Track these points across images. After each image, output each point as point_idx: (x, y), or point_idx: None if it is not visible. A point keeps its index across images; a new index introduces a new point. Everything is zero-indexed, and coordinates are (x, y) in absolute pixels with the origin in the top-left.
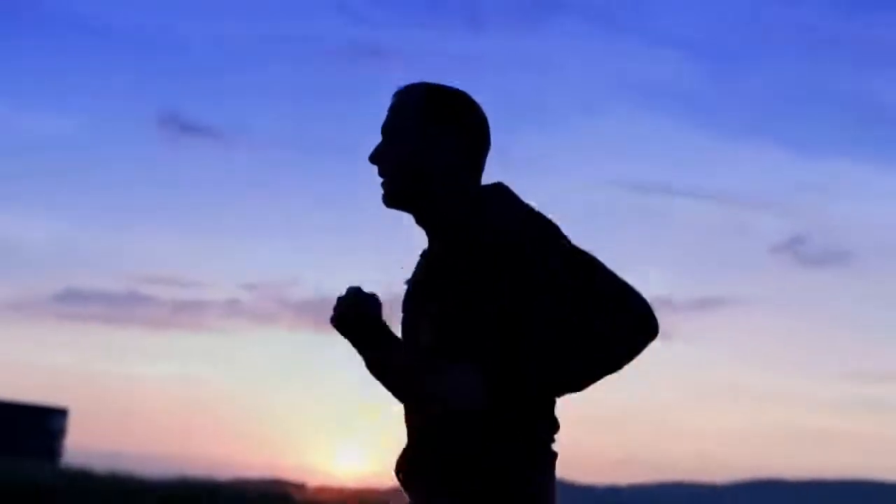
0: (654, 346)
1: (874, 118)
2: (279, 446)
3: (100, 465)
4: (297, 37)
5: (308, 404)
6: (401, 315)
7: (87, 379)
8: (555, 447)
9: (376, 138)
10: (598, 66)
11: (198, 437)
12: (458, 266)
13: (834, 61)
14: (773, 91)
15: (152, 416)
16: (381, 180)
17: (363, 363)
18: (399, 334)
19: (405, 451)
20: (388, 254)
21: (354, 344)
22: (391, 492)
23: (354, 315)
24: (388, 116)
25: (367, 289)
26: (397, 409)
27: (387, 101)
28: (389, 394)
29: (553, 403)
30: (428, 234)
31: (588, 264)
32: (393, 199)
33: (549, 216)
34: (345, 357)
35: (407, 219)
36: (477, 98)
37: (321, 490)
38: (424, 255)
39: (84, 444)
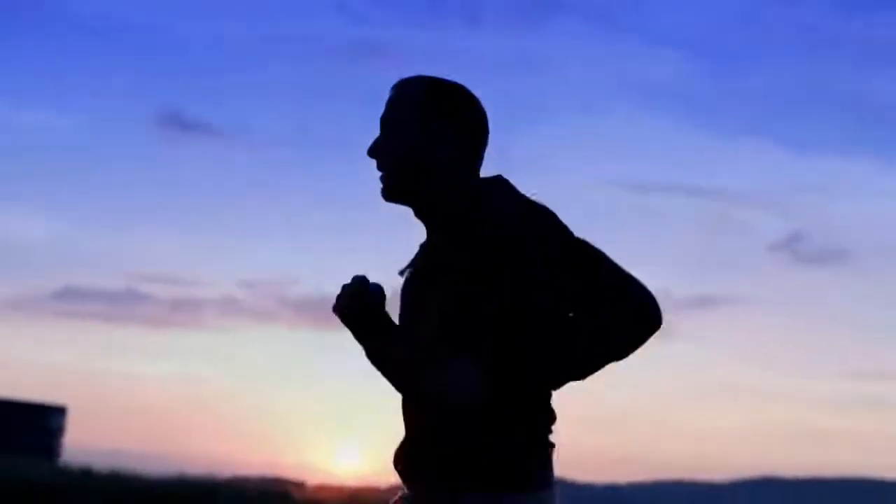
0: (654, 345)
1: (872, 117)
2: (278, 445)
3: (98, 464)
4: (297, 37)
5: (307, 403)
6: (399, 308)
7: (85, 377)
8: (552, 438)
9: (376, 137)
10: (597, 66)
11: (197, 436)
12: (458, 260)
13: (832, 61)
14: (772, 90)
15: (151, 414)
16: (379, 174)
17: (363, 353)
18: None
19: (403, 443)
20: (386, 252)
21: (356, 333)
22: (390, 490)
23: (358, 305)
24: (386, 109)
25: (372, 280)
26: (395, 404)
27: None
28: (388, 390)
29: (549, 395)
30: (427, 227)
31: (590, 256)
32: (392, 192)
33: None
34: (344, 356)
35: (405, 215)
36: (482, 104)
37: (321, 488)
38: (424, 246)
39: (83, 443)
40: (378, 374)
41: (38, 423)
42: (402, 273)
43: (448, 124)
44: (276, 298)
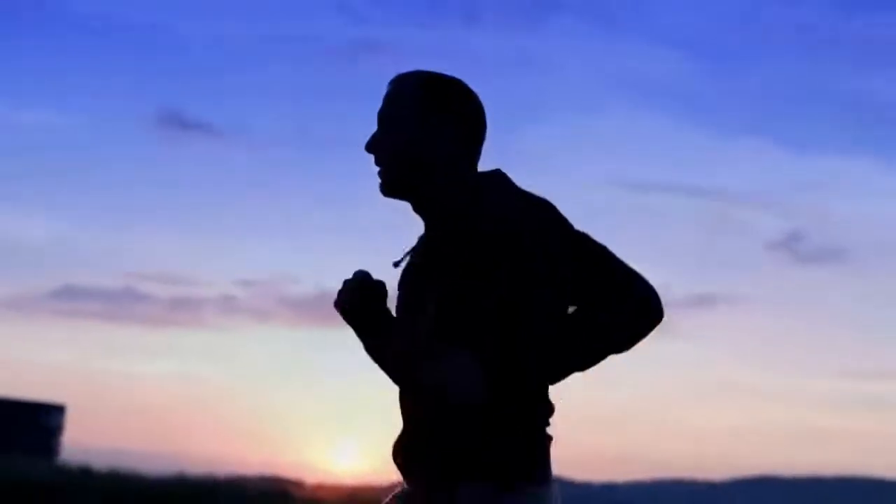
0: (652, 343)
1: (872, 117)
2: (277, 443)
3: (97, 462)
4: (297, 37)
5: (306, 401)
6: (397, 302)
7: (83, 376)
8: (550, 431)
9: (373, 132)
10: (597, 66)
11: (195, 435)
12: (457, 255)
13: (832, 61)
14: (772, 90)
15: (149, 413)
16: (377, 169)
17: (363, 348)
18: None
19: (402, 436)
20: (386, 252)
21: (357, 329)
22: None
23: (359, 300)
24: (384, 105)
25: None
26: (394, 400)
27: None
28: (386, 389)
29: (547, 387)
30: (426, 221)
31: (590, 249)
32: (390, 187)
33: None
34: (343, 355)
35: (404, 215)
36: (479, 98)
37: (319, 487)
38: (422, 238)
39: (81, 441)
40: (376, 372)
41: (37, 421)
42: (396, 264)
43: (446, 119)
44: (275, 298)
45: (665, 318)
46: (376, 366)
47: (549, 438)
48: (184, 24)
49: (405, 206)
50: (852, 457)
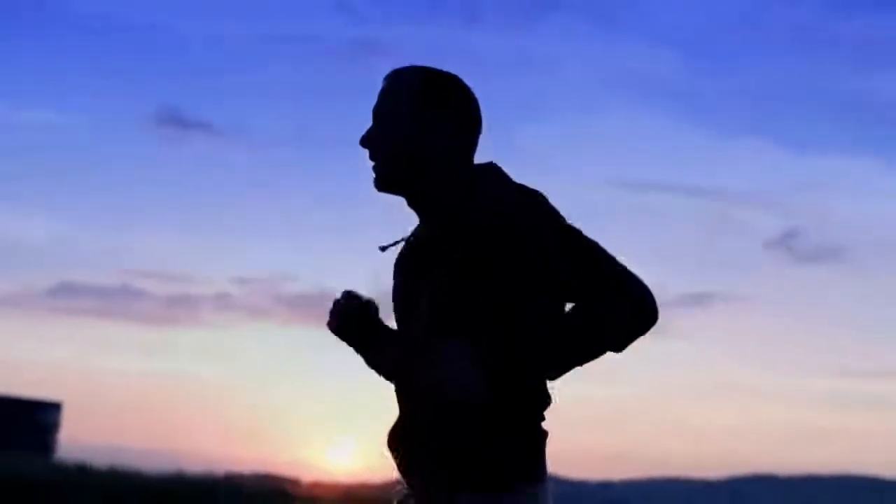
0: (649, 342)
1: (871, 117)
2: (273, 441)
3: (93, 460)
4: (297, 36)
5: (302, 400)
6: (392, 295)
7: (80, 373)
8: (546, 425)
9: (368, 127)
10: (596, 65)
11: (190, 432)
12: (453, 250)
13: (830, 61)
14: (772, 90)
15: (146, 410)
16: (371, 164)
17: (364, 363)
18: (392, 311)
19: (397, 426)
20: (381, 252)
21: (353, 345)
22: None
23: (348, 321)
24: (379, 100)
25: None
26: (390, 397)
27: None
28: (381, 388)
29: (545, 381)
30: (420, 216)
31: (584, 246)
32: (385, 182)
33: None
34: (339, 353)
35: (402, 214)
36: (475, 94)
37: (315, 485)
38: (416, 232)
39: (78, 439)
40: (373, 371)
41: (33, 419)
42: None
43: (443, 114)
44: (270, 295)
45: (663, 318)
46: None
47: (546, 434)
48: (184, 24)
49: (400, 203)
50: (849, 455)
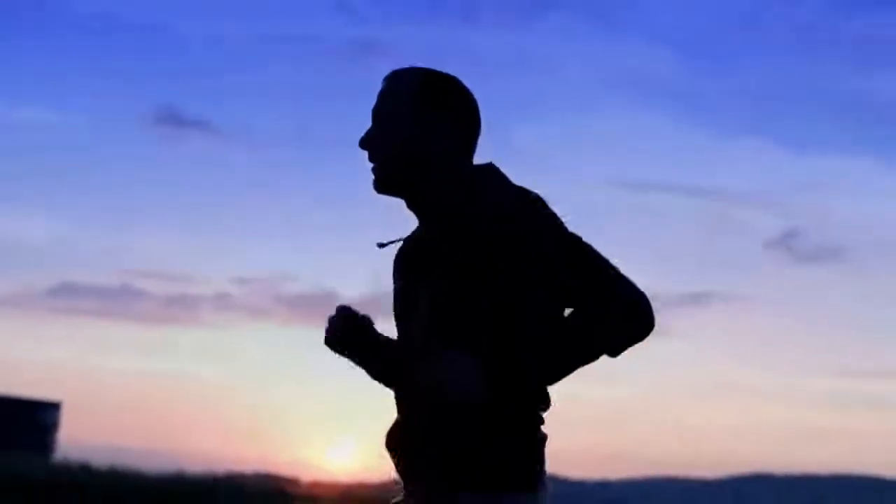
0: (648, 342)
1: (871, 117)
2: (272, 441)
3: (93, 460)
4: (297, 36)
5: (302, 400)
6: (393, 299)
7: (79, 373)
8: (544, 427)
9: (367, 128)
10: (595, 64)
11: (190, 432)
12: (452, 253)
13: (830, 61)
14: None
15: (145, 410)
16: (371, 165)
17: (368, 375)
18: (392, 313)
19: (396, 427)
20: (383, 251)
21: (353, 358)
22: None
23: (344, 337)
24: (379, 101)
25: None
26: (388, 397)
27: None
28: (380, 387)
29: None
30: (420, 218)
31: (582, 253)
32: (384, 184)
33: (539, 194)
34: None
35: (401, 214)
36: (474, 94)
37: (315, 485)
38: (416, 234)
39: (77, 439)
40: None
41: (33, 418)
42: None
43: (443, 116)
44: (270, 295)
45: (663, 317)
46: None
47: (545, 438)
48: (184, 24)
49: (400, 204)
50: (849, 455)
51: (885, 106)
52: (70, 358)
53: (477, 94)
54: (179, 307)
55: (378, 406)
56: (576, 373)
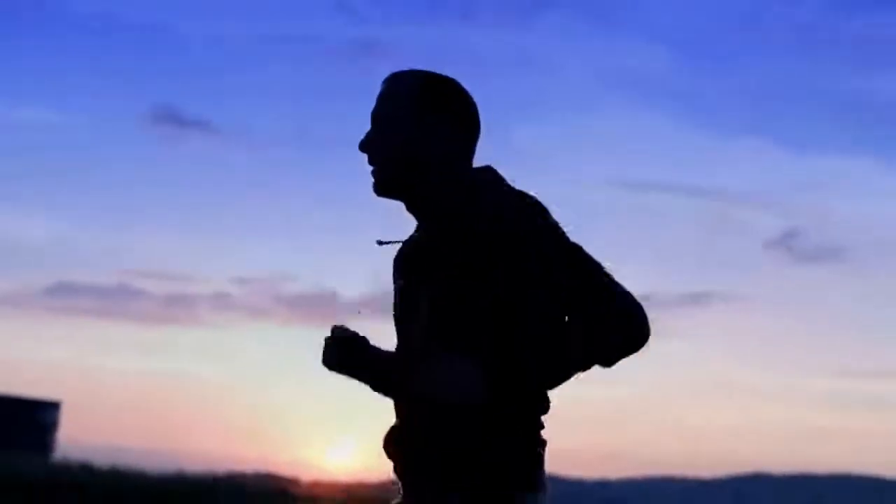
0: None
1: (871, 117)
2: (272, 441)
3: (93, 459)
4: (297, 36)
5: (302, 400)
6: (393, 302)
7: (79, 373)
8: (544, 432)
9: (367, 131)
10: (595, 64)
11: (189, 431)
12: (452, 254)
13: (830, 61)
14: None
15: (144, 409)
16: (370, 168)
17: (370, 389)
18: (391, 311)
19: (395, 429)
20: (382, 251)
21: (352, 373)
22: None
23: (340, 357)
24: (378, 104)
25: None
26: (386, 399)
27: None
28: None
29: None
30: (420, 221)
31: (580, 259)
32: (384, 187)
33: (539, 199)
34: None
35: (400, 214)
36: (473, 94)
37: (315, 485)
38: (416, 236)
39: (76, 438)
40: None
41: (32, 418)
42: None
43: (442, 118)
44: (270, 295)
45: (662, 317)
46: None
47: (545, 443)
48: (184, 24)
49: (400, 204)
50: (849, 455)
51: (885, 106)
52: (69, 357)
53: (476, 94)
54: (179, 307)
55: (378, 406)
56: (575, 378)
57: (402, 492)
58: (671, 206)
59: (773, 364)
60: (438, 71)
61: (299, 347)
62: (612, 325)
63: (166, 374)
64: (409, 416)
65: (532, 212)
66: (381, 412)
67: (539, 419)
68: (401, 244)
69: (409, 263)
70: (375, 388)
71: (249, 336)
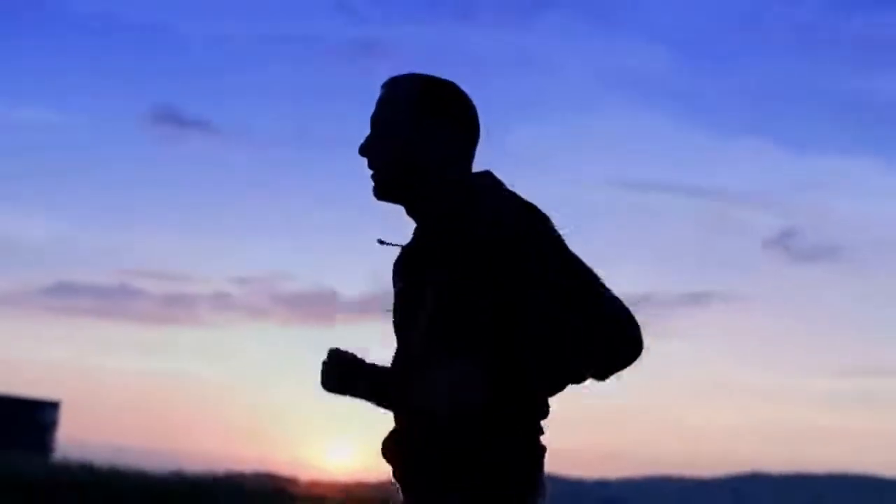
0: (648, 341)
1: (871, 117)
2: (272, 441)
3: (92, 459)
4: (297, 36)
5: (302, 399)
6: (393, 305)
7: (78, 372)
8: (543, 439)
9: (367, 135)
10: (594, 64)
11: (188, 431)
12: (452, 257)
13: (830, 61)
14: (772, 90)
15: (144, 409)
16: (370, 172)
17: (373, 405)
18: (391, 312)
19: (391, 434)
20: (381, 251)
21: (351, 391)
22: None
23: (336, 379)
24: (377, 108)
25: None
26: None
27: None
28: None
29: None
30: (419, 224)
31: (576, 266)
32: (384, 190)
33: (538, 206)
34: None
35: (399, 214)
36: (473, 94)
37: (314, 484)
38: (415, 240)
39: (76, 438)
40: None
41: (32, 418)
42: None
43: (441, 122)
44: (270, 295)
45: (662, 317)
46: None
47: (544, 449)
48: (184, 24)
49: (399, 206)
50: (849, 455)
51: (885, 106)
52: (69, 357)
53: (476, 95)
54: (178, 307)
55: (376, 406)
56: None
57: (401, 493)
58: (671, 206)
59: (772, 364)
60: (438, 71)
61: (299, 347)
62: (598, 333)
63: (166, 374)
64: (410, 419)
65: (532, 217)
66: (380, 412)
67: (538, 423)
68: (401, 248)
69: (408, 267)
70: (378, 404)
71: (249, 336)
